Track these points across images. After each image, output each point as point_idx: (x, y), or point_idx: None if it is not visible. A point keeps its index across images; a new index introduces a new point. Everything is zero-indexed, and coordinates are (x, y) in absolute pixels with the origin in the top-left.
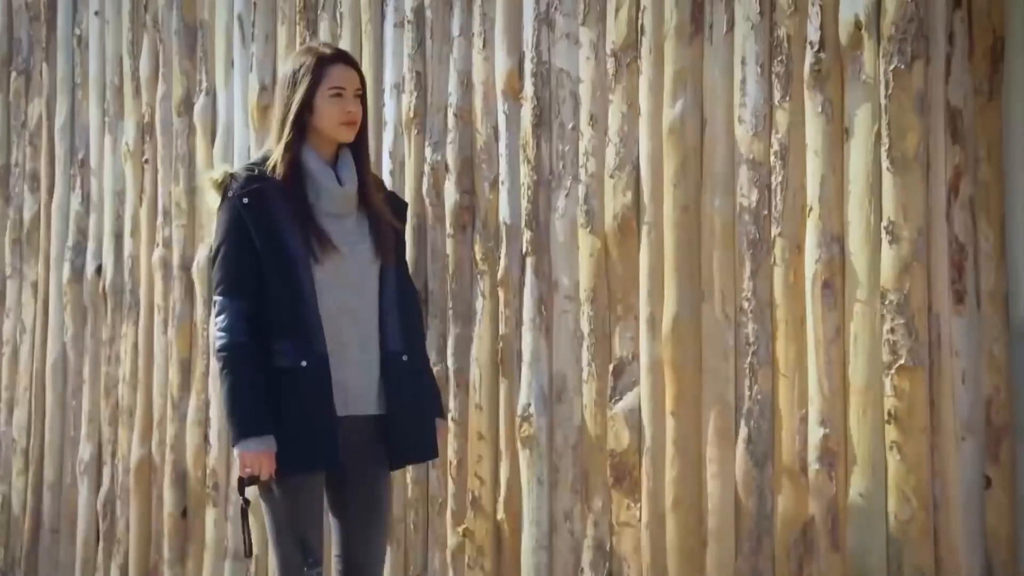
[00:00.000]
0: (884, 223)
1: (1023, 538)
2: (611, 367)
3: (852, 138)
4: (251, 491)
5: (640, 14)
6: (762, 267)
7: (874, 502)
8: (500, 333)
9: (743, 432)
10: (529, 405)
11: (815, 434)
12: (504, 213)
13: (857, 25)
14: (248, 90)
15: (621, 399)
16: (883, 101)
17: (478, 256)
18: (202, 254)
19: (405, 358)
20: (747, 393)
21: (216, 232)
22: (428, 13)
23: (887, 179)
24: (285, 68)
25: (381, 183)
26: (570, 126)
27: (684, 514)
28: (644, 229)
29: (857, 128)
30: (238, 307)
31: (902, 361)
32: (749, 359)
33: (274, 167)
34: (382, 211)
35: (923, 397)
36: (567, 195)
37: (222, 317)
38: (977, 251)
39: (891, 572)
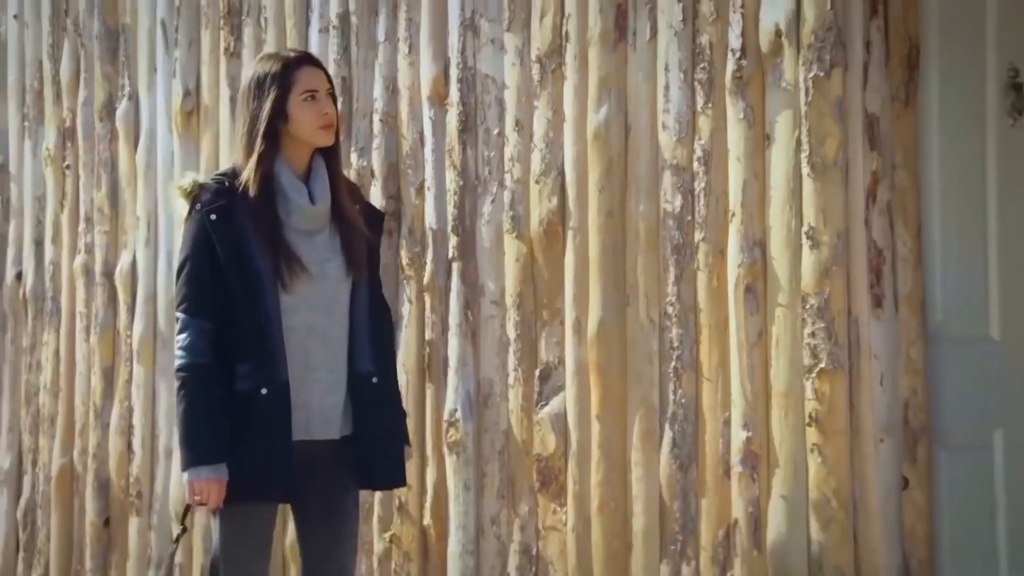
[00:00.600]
0: (805, 228)
1: (940, 538)
2: (537, 372)
3: (773, 144)
4: (198, 516)
5: (565, 21)
6: (686, 272)
7: (795, 503)
8: (426, 339)
9: (668, 435)
10: (456, 410)
11: (738, 437)
12: (430, 218)
13: (777, 33)
14: (172, 95)
15: (547, 404)
16: (803, 108)
17: (404, 261)
18: (125, 260)
19: (375, 380)
20: (671, 397)
21: (182, 245)
22: (353, 19)
23: (807, 185)
24: (247, 78)
25: (357, 192)
26: (496, 132)
27: (609, 517)
28: (569, 234)
29: (778, 134)
30: (200, 326)
31: (822, 364)
32: (673, 363)
33: (244, 179)
34: (356, 224)
35: (843, 400)
36: (493, 200)
37: (183, 336)
38: (895, 256)
39: (812, 573)
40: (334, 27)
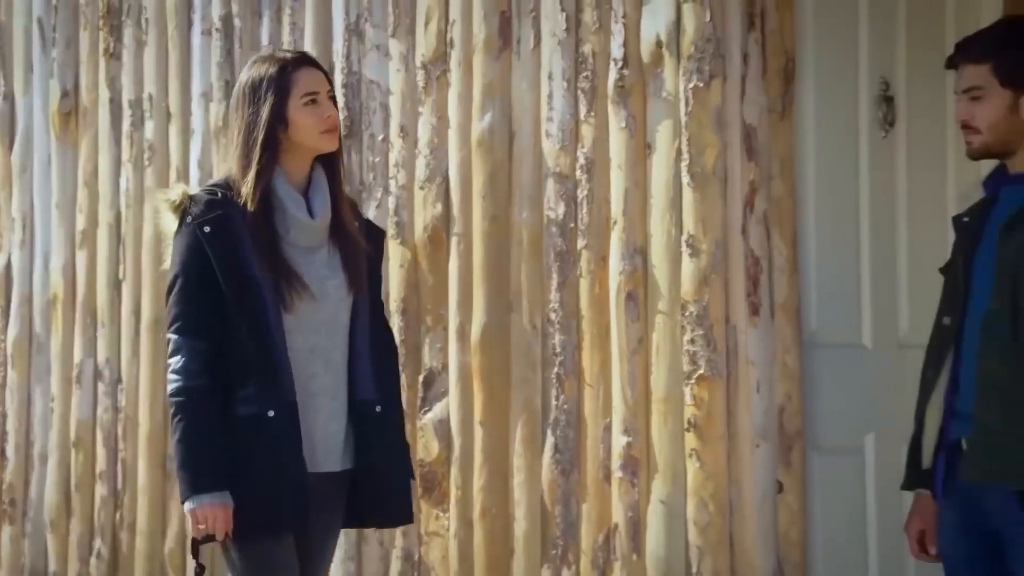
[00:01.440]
0: (684, 236)
1: (813, 540)
2: (421, 377)
3: (654, 153)
4: (207, 549)
5: (449, 27)
6: (569, 278)
7: (674, 508)
8: None
9: (550, 441)
10: None
11: (619, 442)
12: None
13: (658, 43)
14: (49, 96)
15: (431, 409)
16: (683, 118)
17: None
18: (0, 262)
19: (379, 408)
20: (554, 403)
21: (172, 261)
22: (236, 21)
23: (687, 194)
24: (241, 83)
25: (356, 208)
26: (380, 137)
27: (491, 522)
28: (454, 240)
29: (659, 143)
30: (195, 347)
31: (701, 371)
32: (556, 369)
33: (244, 195)
34: (357, 240)
35: (721, 406)
36: (378, 206)
37: (177, 358)
38: (771, 264)
39: None
40: (217, 30)
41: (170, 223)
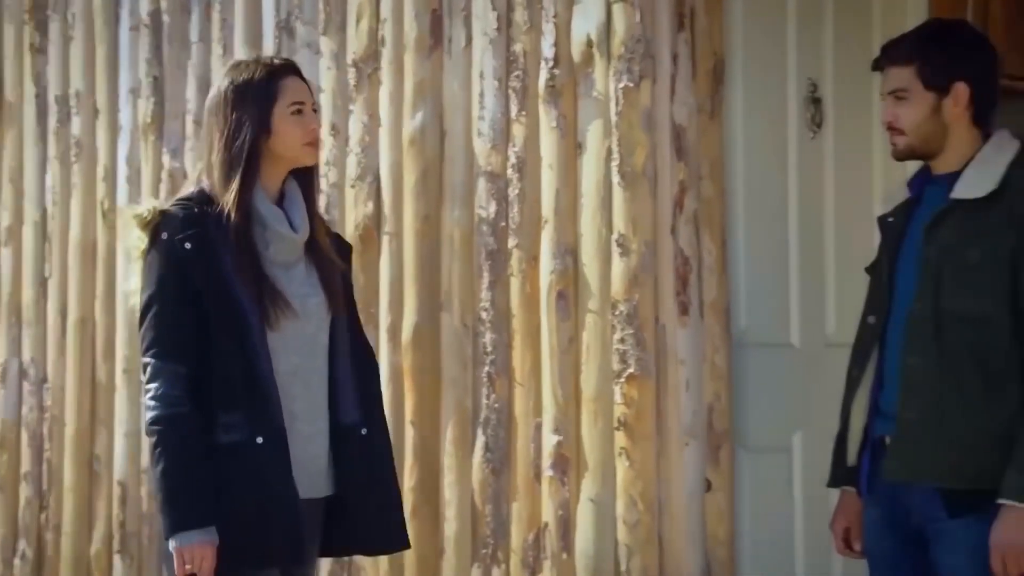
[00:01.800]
0: (615, 236)
1: (740, 538)
2: None
3: (585, 153)
4: None
5: (380, 26)
6: (500, 277)
7: (604, 507)
8: None
9: (480, 440)
10: None
11: (549, 441)
12: None
13: (589, 43)
14: None
15: None
16: (613, 118)
17: None
18: None
19: (364, 432)
20: (485, 402)
21: (146, 281)
22: (165, 17)
23: (617, 193)
24: (222, 86)
25: (325, 223)
26: None
27: (422, 522)
28: (385, 239)
29: (589, 143)
30: (175, 372)
31: (631, 370)
32: (487, 368)
33: (227, 206)
34: (331, 256)
35: (650, 405)
36: None
37: (156, 384)
38: (701, 264)
39: (618, 574)
40: (145, 26)
41: (137, 240)
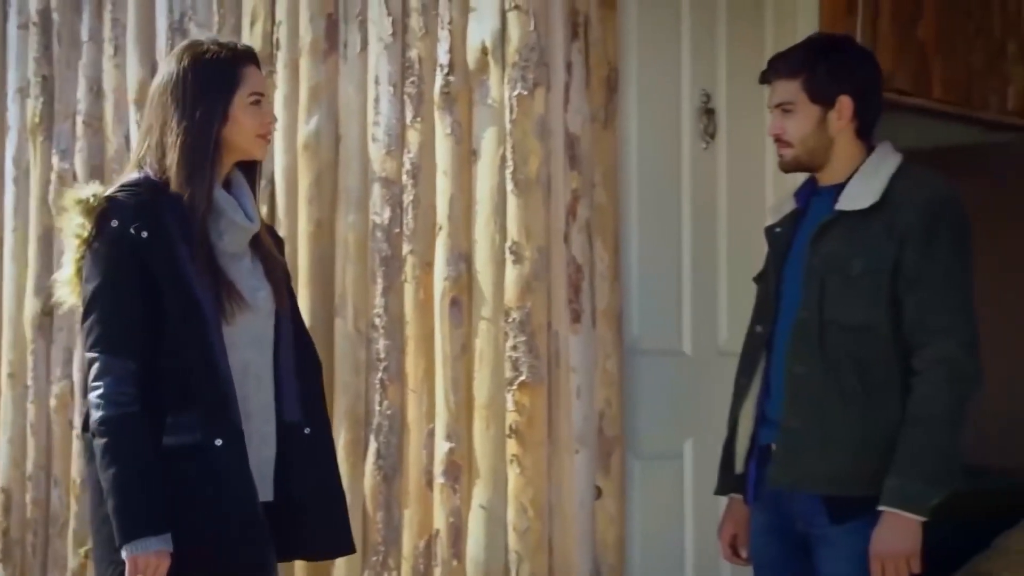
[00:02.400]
0: (508, 243)
1: (631, 544)
2: None
3: (480, 160)
4: None
5: (276, 28)
6: (394, 283)
7: (495, 513)
8: None
9: (372, 446)
10: None
11: (441, 448)
12: None
13: (483, 50)
14: None
15: None
16: (508, 125)
17: None
18: None
19: (308, 431)
20: (377, 408)
21: (91, 271)
22: (55, 16)
23: (511, 201)
24: (181, 66)
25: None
26: None
27: None
28: None
29: (484, 150)
30: (125, 368)
31: (523, 377)
32: (380, 374)
33: (193, 196)
34: (272, 248)
35: (542, 412)
36: None
37: (104, 382)
38: (593, 272)
39: None
40: (34, 23)
41: (77, 227)
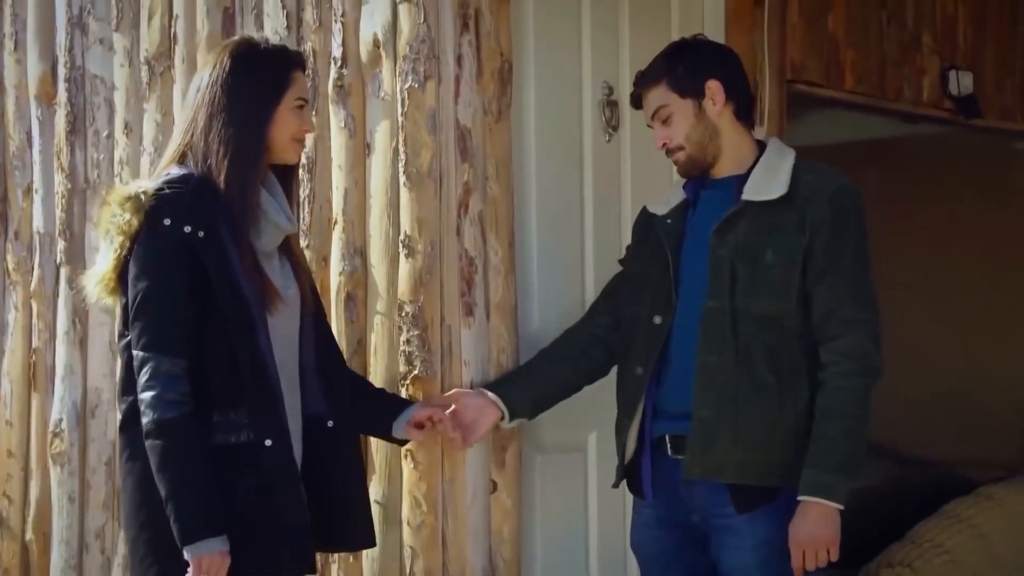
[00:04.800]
0: (401, 237)
1: (531, 538)
2: None
3: (373, 153)
4: None
5: (173, 22)
6: None
7: (390, 509)
8: (33, 346)
9: None
10: (61, 420)
11: None
12: (38, 222)
13: (376, 43)
14: None
15: None
16: (400, 118)
17: (10, 266)
18: None
19: (330, 424)
20: None
21: (142, 269)
22: None
23: (404, 194)
24: (233, 60)
25: None
26: (105, 134)
27: None
28: None
29: (377, 144)
30: (178, 368)
31: (416, 371)
32: None
33: (243, 195)
34: (299, 249)
35: None
36: (103, 204)
37: (158, 382)
38: (487, 265)
39: (403, 575)
40: None
41: (123, 224)
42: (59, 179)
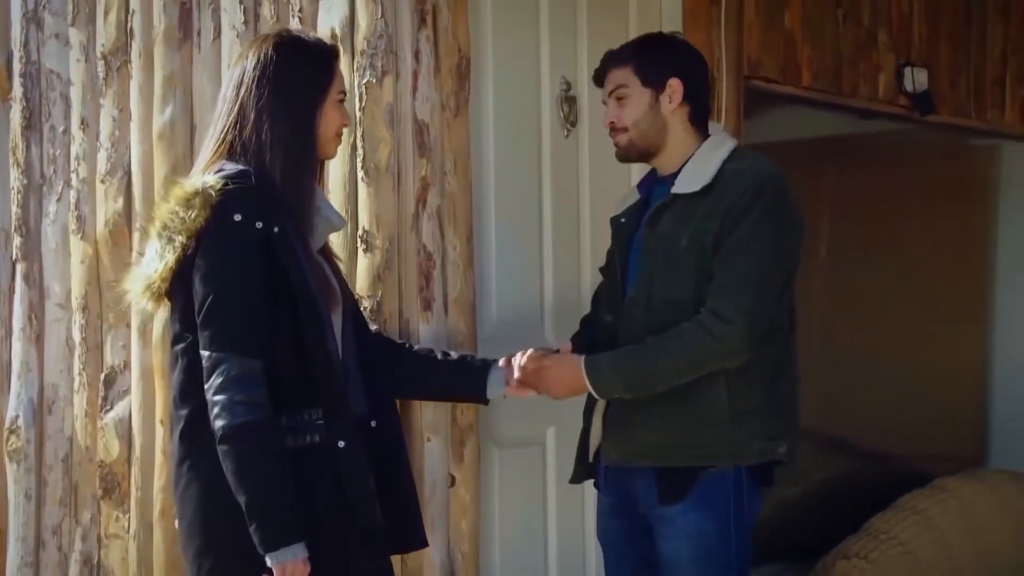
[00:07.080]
0: (360, 232)
1: (490, 533)
2: (103, 376)
3: None
4: None
5: (129, 17)
6: None
7: None
8: None
9: None
10: (17, 417)
11: None
12: None
13: (333, 38)
14: None
15: (112, 408)
16: (358, 113)
17: None
18: None
19: (373, 424)
20: None
21: (211, 266)
22: None
23: (362, 189)
24: (279, 51)
25: None
26: (61, 129)
27: (171, 522)
28: (136, 235)
29: None
30: (253, 369)
31: None
32: None
33: (300, 191)
34: (332, 249)
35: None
36: (59, 200)
37: (232, 385)
38: (445, 259)
39: None
40: None
41: (187, 219)
42: (15, 175)
